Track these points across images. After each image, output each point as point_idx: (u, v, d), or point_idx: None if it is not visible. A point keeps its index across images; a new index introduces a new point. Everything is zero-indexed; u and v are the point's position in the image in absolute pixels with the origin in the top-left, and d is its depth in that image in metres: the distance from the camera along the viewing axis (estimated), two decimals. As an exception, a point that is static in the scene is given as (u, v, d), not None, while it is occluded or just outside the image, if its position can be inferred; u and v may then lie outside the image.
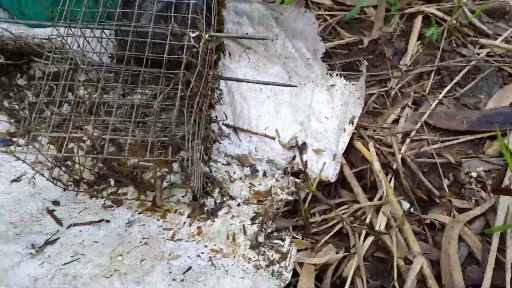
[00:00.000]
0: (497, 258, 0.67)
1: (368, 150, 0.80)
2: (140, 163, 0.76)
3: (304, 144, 0.82)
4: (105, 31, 0.76)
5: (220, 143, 0.82)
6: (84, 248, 0.66)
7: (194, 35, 0.69)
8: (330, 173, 0.78)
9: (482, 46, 0.97)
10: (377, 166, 0.76)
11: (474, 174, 0.76)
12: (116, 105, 0.70)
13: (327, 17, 1.05)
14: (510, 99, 0.89)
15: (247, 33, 0.88)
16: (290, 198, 0.74)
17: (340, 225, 0.73)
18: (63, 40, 0.69)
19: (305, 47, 0.90)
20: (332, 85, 0.88)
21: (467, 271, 0.67)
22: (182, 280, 0.63)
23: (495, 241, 0.68)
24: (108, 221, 0.70)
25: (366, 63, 0.89)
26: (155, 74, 0.76)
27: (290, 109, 0.86)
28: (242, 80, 0.83)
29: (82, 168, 0.74)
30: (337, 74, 0.89)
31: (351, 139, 0.82)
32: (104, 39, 0.76)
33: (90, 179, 0.75)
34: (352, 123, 0.83)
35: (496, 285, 0.64)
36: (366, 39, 0.98)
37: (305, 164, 0.79)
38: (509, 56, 0.95)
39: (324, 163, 0.79)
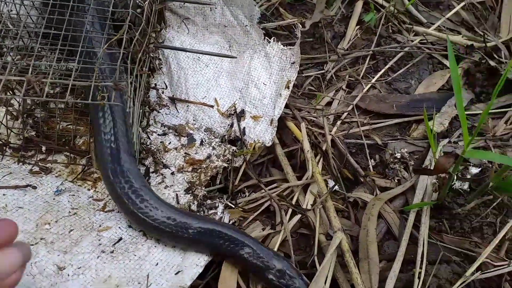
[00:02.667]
0: (412, 234, 0.70)
1: (300, 130, 0.82)
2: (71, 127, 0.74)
3: (243, 111, 0.82)
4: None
5: (158, 111, 0.81)
6: (8, 212, 0.63)
7: None
8: (267, 138, 0.79)
9: (416, 33, 1.01)
10: (306, 146, 0.77)
11: (398, 155, 0.80)
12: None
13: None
14: (438, 85, 0.93)
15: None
16: (225, 165, 0.74)
17: (268, 203, 0.74)
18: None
19: (242, 13, 0.90)
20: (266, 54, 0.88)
21: (384, 246, 0.70)
22: (112, 252, 0.63)
23: (412, 217, 0.71)
24: (35, 187, 0.68)
25: (301, 26, 0.91)
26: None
27: (229, 77, 0.86)
28: (183, 49, 0.82)
29: (9, 131, 0.70)
30: (274, 40, 0.89)
31: (285, 119, 0.83)
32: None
33: (17, 144, 0.72)
34: (288, 87, 0.85)
35: (409, 259, 0.68)
36: (308, 22, 0.98)
37: (242, 131, 0.79)
38: (440, 44, 0.99)
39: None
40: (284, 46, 0.89)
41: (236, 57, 0.84)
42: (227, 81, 0.86)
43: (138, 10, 0.71)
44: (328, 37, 0.99)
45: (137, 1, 0.71)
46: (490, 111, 0.90)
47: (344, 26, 1.02)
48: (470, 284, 0.64)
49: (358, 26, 1.01)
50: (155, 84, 0.82)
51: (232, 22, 0.90)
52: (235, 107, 0.83)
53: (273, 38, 0.89)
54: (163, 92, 0.83)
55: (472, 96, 0.93)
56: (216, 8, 0.90)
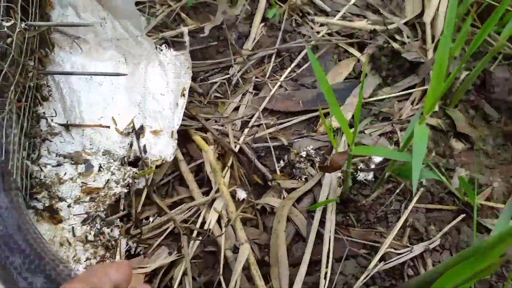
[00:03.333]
0: (320, 233, 0.70)
1: (207, 142, 0.80)
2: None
3: (142, 127, 0.80)
4: None
5: (50, 141, 0.77)
6: None
7: (8, 24, 0.67)
8: (168, 153, 0.77)
9: (321, 24, 1.00)
10: (210, 158, 0.76)
11: (303, 154, 0.79)
12: None
13: (171, 3, 1.02)
14: (344, 75, 0.93)
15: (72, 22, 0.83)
16: (126, 190, 0.72)
17: (173, 225, 0.72)
18: None
19: (132, 25, 0.87)
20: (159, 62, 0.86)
21: (293, 249, 0.70)
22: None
23: (317, 216, 0.71)
24: None
25: (187, 30, 0.89)
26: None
27: (126, 92, 0.83)
28: (70, 73, 0.79)
29: None
30: (166, 47, 0.87)
31: (190, 132, 0.81)
32: None
33: None
34: (184, 95, 0.83)
35: (316, 259, 0.68)
36: (208, 26, 0.96)
37: (143, 149, 0.77)
38: (345, 32, 0.99)
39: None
40: (177, 52, 0.87)
41: (126, 74, 0.81)
42: (124, 96, 0.83)
43: (8, 40, 0.67)
44: (232, 39, 0.97)
45: (6, 31, 0.67)
46: (395, 94, 0.91)
47: (249, 25, 1.00)
48: (376, 276, 0.65)
49: (262, 24, 0.99)
50: (44, 113, 0.78)
51: (123, 34, 0.87)
52: (133, 123, 0.80)
53: (164, 45, 0.87)
54: (52, 120, 0.79)
55: (379, 81, 0.93)
56: (106, 23, 0.86)
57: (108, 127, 0.79)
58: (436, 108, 0.88)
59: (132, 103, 0.82)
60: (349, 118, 0.84)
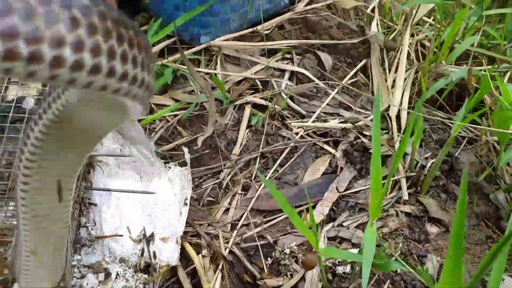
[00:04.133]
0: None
1: (201, 246, 0.90)
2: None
3: (152, 234, 0.90)
4: None
5: (79, 254, 0.88)
6: None
7: None
8: (174, 258, 0.86)
9: (298, 127, 1.14)
10: (198, 266, 0.85)
11: (287, 251, 0.88)
12: None
13: (169, 118, 1.18)
14: (321, 171, 1.04)
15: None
16: None
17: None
18: None
19: (144, 148, 1.01)
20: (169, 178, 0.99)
21: None
22: None
23: (302, 313, 0.78)
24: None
25: (187, 149, 1.02)
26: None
27: (139, 204, 0.95)
28: (109, 190, 0.92)
29: None
30: (175, 165, 1.00)
31: (183, 239, 0.92)
32: None
33: None
34: (186, 204, 0.94)
35: None
36: (200, 138, 1.10)
37: (153, 255, 0.86)
38: (321, 131, 1.12)
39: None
40: (181, 167, 1.00)
41: (155, 193, 0.93)
42: (138, 209, 0.95)
43: None
44: (222, 145, 1.11)
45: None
46: (369, 186, 1.00)
47: (236, 132, 1.14)
48: None
49: (248, 129, 1.14)
50: (85, 222, 0.90)
51: (139, 157, 1.01)
52: (144, 231, 0.91)
53: (173, 163, 1.00)
54: (92, 229, 0.90)
55: (354, 173, 1.03)
56: (124, 148, 1.01)
57: (122, 235, 0.90)
58: (406, 197, 0.97)
59: (144, 213, 0.94)
60: (326, 213, 0.93)
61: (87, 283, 0.85)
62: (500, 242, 0.48)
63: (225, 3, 1.24)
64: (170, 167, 1.00)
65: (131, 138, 1.01)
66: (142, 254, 0.88)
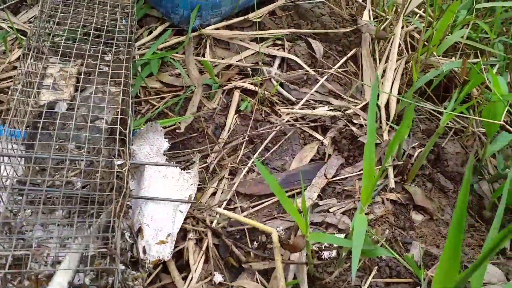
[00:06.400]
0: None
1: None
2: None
3: (140, 229, 0.88)
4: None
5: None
6: None
7: (119, 162, 0.84)
8: (166, 252, 0.85)
9: (287, 113, 1.13)
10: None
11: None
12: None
13: (155, 102, 1.15)
14: (309, 157, 1.03)
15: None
16: None
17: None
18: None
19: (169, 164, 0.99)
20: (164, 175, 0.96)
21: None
22: None
23: (287, 296, 0.78)
24: None
25: (199, 155, 0.99)
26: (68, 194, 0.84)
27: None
28: (153, 199, 0.91)
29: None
30: (175, 166, 0.97)
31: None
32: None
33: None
34: (187, 203, 0.92)
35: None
36: (183, 124, 1.08)
37: (143, 250, 0.84)
38: (309, 117, 1.11)
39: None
40: (181, 170, 0.97)
41: (188, 201, 0.92)
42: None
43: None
44: (210, 130, 1.09)
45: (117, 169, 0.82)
46: (356, 173, 1.00)
47: (225, 117, 1.12)
48: None
49: (236, 115, 1.12)
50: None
51: (166, 172, 0.97)
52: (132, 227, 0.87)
53: (170, 163, 0.97)
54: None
55: (342, 161, 1.03)
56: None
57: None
58: (393, 185, 0.97)
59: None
60: (315, 198, 0.93)
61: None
62: (480, 258, 0.48)
63: (217, -14, 1.21)
64: (167, 167, 0.97)
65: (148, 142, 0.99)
66: (132, 246, 0.86)
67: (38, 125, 0.89)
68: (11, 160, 0.84)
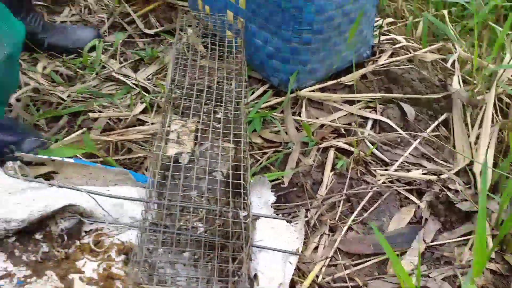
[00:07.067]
0: None
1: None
2: None
3: (256, 275, 0.96)
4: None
5: None
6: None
7: (244, 214, 0.95)
8: None
9: (382, 174, 1.19)
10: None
11: (377, 296, 0.92)
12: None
13: (258, 157, 1.27)
14: (407, 220, 1.08)
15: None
16: None
17: None
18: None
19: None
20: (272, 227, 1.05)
21: None
22: None
23: None
24: None
25: (305, 210, 1.08)
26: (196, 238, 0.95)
27: None
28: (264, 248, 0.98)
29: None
30: (283, 219, 1.06)
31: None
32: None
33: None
34: (296, 255, 1.00)
35: None
36: (286, 179, 1.18)
37: None
38: (404, 180, 1.17)
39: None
40: (287, 223, 1.04)
41: (301, 254, 0.99)
42: None
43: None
44: (308, 185, 1.18)
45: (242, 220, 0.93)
46: (454, 239, 1.04)
47: (321, 173, 1.21)
48: None
49: (332, 172, 1.20)
50: None
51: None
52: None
53: (279, 217, 1.06)
54: None
55: (439, 226, 1.07)
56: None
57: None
58: (493, 255, 0.99)
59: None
60: (416, 263, 0.97)
61: None
62: None
63: (315, 55, 1.34)
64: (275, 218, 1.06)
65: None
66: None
67: (166, 173, 1.03)
68: (147, 206, 0.98)
